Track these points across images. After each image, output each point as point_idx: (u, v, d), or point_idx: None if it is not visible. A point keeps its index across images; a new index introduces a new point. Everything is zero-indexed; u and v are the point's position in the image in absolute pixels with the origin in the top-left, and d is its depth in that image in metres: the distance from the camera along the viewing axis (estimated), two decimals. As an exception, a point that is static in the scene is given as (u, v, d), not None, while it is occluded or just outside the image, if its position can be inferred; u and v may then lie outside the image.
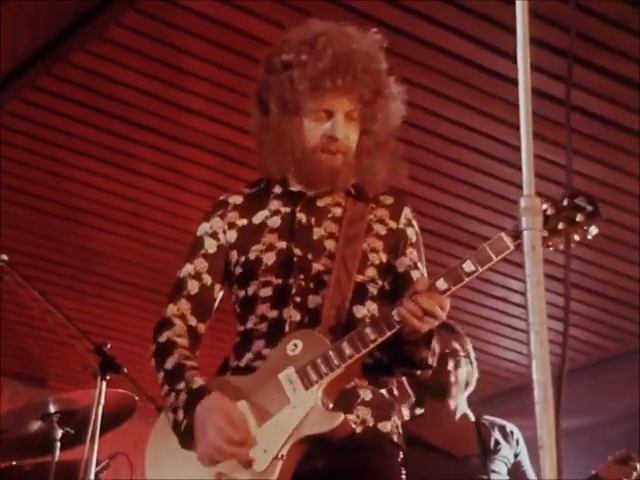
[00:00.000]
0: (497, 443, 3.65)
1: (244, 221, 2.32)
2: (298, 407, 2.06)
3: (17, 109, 4.83)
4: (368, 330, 2.07)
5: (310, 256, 2.23)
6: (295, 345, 2.12)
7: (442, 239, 5.62)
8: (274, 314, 2.20)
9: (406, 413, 3.66)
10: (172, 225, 5.60)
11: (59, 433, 3.62)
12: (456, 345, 3.66)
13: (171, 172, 5.24)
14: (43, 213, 5.66)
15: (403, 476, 2.24)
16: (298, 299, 2.20)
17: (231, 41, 4.28)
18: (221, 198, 2.40)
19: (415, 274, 2.27)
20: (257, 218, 2.31)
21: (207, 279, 2.30)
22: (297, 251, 2.24)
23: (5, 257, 3.49)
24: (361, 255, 2.24)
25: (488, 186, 5.19)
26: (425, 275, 2.29)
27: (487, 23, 4.09)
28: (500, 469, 3.62)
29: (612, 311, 6.27)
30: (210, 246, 2.32)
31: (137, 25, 4.25)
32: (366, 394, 2.18)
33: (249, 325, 2.24)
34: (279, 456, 2.04)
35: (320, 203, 2.31)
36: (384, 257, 2.27)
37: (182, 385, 2.13)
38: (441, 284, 2.04)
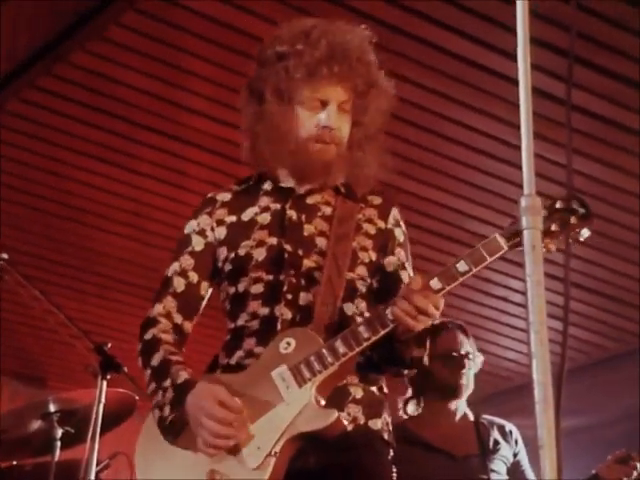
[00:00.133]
0: (496, 443, 3.65)
1: (233, 218, 2.31)
2: (292, 404, 2.06)
3: (17, 109, 4.83)
4: (362, 329, 2.07)
5: (301, 252, 2.23)
6: (288, 343, 2.11)
7: (443, 239, 5.62)
8: (265, 311, 2.20)
9: (412, 409, 3.66)
10: (173, 225, 5.58)
11: (59, 433, 3.62)
12: (469, 347, 3.66)
13: (172, 172, 5.24)
14: (44, 213, 5.66)
15: (394, 474, 2.25)
16: (289, 296, 2.19)
17: (232, 41, 4.27)
18: (209, 195, 2.39)
19: (404, 274, 2.29)
20: (246, 215, 2.31)
21: (193, 277, 2.29)
22: (288, 247, 2.23)
23: (5, 256, 3.49)
24: (351, 253, 2.24)
25: (488, 185, 5.20)
26: (412, 275, 2.29)
27: (488, 23, 4.09)
28: (499, 468, 3.62)
29: (612, 310, 6.27)
30: (197, 244, 2.31)
31: (137, 25, 4.25)
32: (357, 392, 2.18)
33: (240, 322, 2.23)
34: (272, 453, 2.03)
35: (310, 200, 2.31)
36: (374, 256, 2.28)
37: (168, 382, 2.13)
38: (435, 283, 2.04)
